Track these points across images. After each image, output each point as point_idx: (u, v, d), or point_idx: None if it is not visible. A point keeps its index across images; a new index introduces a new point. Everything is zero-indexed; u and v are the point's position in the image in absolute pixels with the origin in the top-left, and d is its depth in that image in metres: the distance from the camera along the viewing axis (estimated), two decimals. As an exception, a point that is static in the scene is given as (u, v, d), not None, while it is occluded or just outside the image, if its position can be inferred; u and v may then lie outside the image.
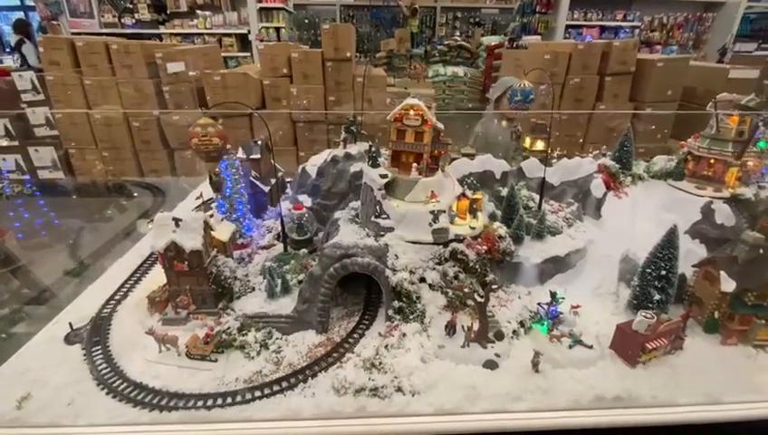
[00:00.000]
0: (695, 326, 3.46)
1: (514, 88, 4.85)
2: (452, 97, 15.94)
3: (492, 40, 13.85)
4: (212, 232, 3.63)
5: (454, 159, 4.52)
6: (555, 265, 3.88)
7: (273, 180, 5.24)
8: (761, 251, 3.19)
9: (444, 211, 3.56)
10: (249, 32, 13.83)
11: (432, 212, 3.51)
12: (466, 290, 3.16)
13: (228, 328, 3.23)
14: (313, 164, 4.60)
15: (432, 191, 3.55)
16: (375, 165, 3.62)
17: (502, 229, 3.77)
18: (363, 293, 3.77)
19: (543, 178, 4.31)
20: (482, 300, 3.08)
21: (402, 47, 14.45)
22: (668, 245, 3.33)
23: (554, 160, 4.77)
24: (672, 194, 4.28)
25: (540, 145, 5.97)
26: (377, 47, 15.07)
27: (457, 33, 15.69)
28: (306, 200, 4.53)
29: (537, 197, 4.66)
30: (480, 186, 4.60)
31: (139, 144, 8.95)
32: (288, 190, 5.03)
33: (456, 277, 3.52)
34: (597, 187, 4.46)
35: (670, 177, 4.41)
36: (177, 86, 8.54)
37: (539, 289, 3.83)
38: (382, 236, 3.54)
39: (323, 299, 3.36)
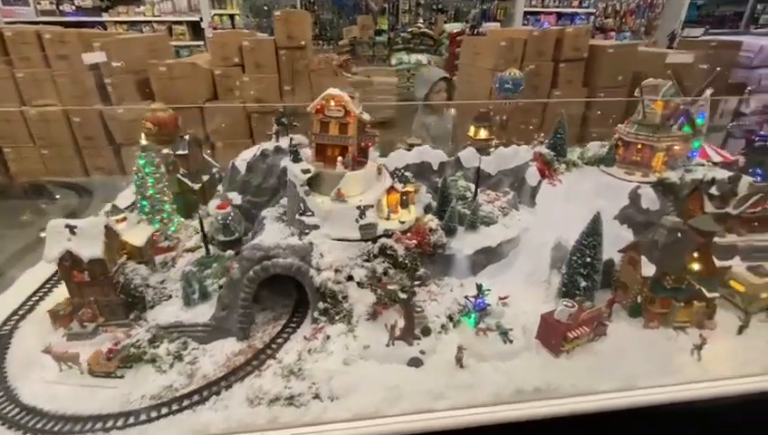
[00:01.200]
0: (621, 311, 3.51)
1: (504, 77, 4.75)
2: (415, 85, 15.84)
3: (454, 27, 13.79)
4: (121, 237, 3.36)
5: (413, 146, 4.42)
6: (487, 256, 3.84)
7: (205, 177, 4.97)
8: (678, 235, 3.24)
9: (372, 206, 3.43)
10: (201, 19, 13.10)
11: (359, 207, 3.37)
12: (390, 288, 3.05)
13: (137, 341, 2.99)
14: (243, 159, 4.35)
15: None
16: (297, 159, 3.43)
17: (433, 222, 3.69)
18: (294, 294, 3.61)
19: (478, 169, 4.25)
20: (405, 297, 2.98)
21: (365, 34, 14.19)
22: (592, 232, 3.33)
23: (492, 150, 4.72)
24: (604, 180, 4.32)
25: (483, 134, 5.95)
26: (339, 34, 14.73)
27: (421, 21, 15.52)
28: (236, 198, 4.29)
29: (473, 186, 4.61)
30: (417, 177, 4.51)
31: (81, 141, 8.30)
32: (219, 188, 4.76)
33: (385, 273, 3.41)
34: (531, 175, 4.45)
35: (602, 163, 4.45)
36: (119, 78, 7.98)
37: (472, 281, 3.77)
38: (307, 234, 3.38)
39: (244, 304, 3.18)
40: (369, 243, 3.43)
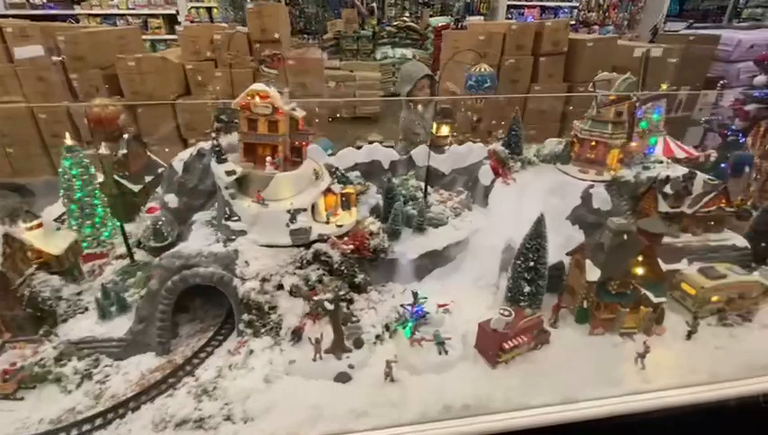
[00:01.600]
0: (568, 316, 3.36)
1: (470, 72, 4.53)
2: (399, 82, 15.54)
3: (440, 21, 13.55)
4: (32, 245, 3.11)
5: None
6: (433, 260, 3.66)
7: (149, 178, 4.71)
8: (625, 237, 3.09)
9: (304, 209, 3.22)
10: (177, 12, 12.67)
11: (289, 211, 3.16)
12: (316, 298, 2.85)
13: (41, 359, 2.76)
14: (180, 159, 4.10)
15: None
16: (221, 160, 3.20)
17: (375, 225, 3.49)
18: (227, 303, 3.39)
19: (428, 168, 4.05)
20: (332, 308, 2.79)
21: (350, 28, 13.91)
22: (535, 235, 3.17)
23: (446, 148, 4.54)
24: (559, 178, 4.15)
25: (445, 130, 5.76)
26: (324, 28, 14.43)
27: (407, 14, 15.26)
28: (172, 200, 4.04)
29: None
30: (367, 177, 4.32)
31: (48, 139, 7.95)
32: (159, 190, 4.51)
33: (319, 281, 3.21)
34: (485, 173, 4.27)
35: (558, 160, 4.29)
36: (86, 73, 7.63)
37: (416, 286, 3.61)
38: (233, 240, 3.16)
39: (162, 317, 2.97)
40: (303, 249, 3.23)
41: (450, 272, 3.71)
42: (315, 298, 2.83)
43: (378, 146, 4.36)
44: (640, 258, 3.00)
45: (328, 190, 3.38)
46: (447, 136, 5.67)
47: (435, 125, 5.73)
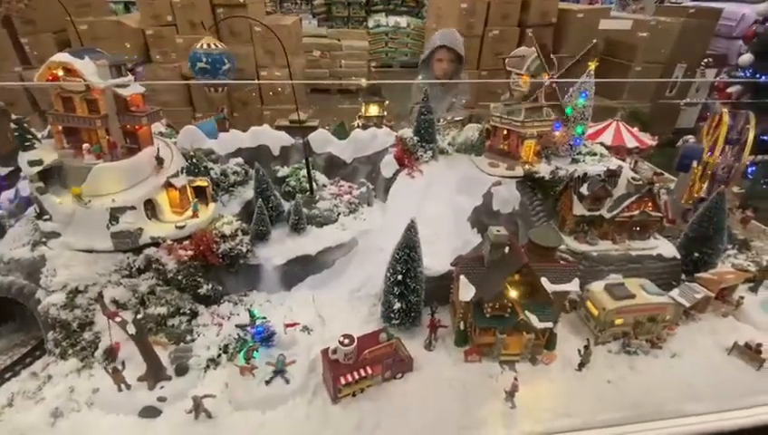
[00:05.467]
0: (450, 337, 2.89)
1: (196, 51, 3.82)
2: (394, 50, 14.66)
3: None
4: None
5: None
6: (305, 267, 3.16)
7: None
8: (506, 251, 2.58)
9: (131, 207, 2.71)
10: None
11: (110, 209, 2.65)
12: (118, 319, 2.37)
13: None
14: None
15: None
16: (26, 147, 2.67)
17: (230, 226, 2.98)
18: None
19: (306, 157, 3.49)
20: (135, 331, 2.32)
21: None
22: (405, 245, 2.66)
23: (389, 132, 3.93)
24: (471, 172, 3.61)
25: (374, 110, 5.16)
26: None
27: None
28: (24, 188, 3.53)
29: (324, 177, 3.89)
30: (253, 165, 3.77)
31: None
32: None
33: (152, 293, 2.74)
34: (387, 165, 3.72)
35: (474, 151, 3.73)
36: (37, 37, 6.98)
37: (284, 296, 3.14)
38: (44, 243, 2.67)
39: (-50, 332, 2.51)
40: (132, 255, 2.74)
41: (326, 280, 3.22)
42: (117, 319, 2.35)
43: (267, 128, 3.79)
44: (518, 277, 2.50)
45: (168, 184, 2.85)
46: (378, 117, 5.12)
47: (363, 105, 5.16)
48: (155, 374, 2.43)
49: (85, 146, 2.65)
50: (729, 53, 9.11)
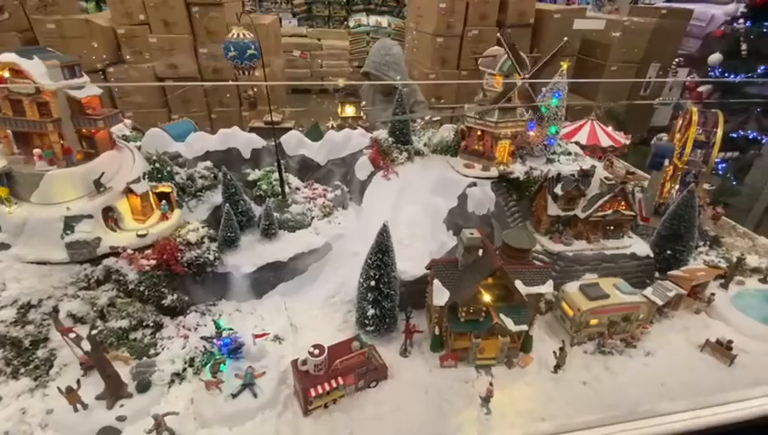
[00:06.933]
0: (426, 342, 2.83)
1: (227, 40, 3.78)
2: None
3: None
4: None
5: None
6: (277, 273, 3.06)
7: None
8: (479, 253, 2.53)
9: (88, 216, 2.57)
10: None
11: (65, 218, 2.51)
12: (72, 336, 2.24)
13: None
14: None
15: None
16: (-30, 154, 2.50)
17: (196, 233, 2.86)
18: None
19: (278, 159, 3.38)
20: (89, 348, 2.19)
21: None
22: (378, 250, 2.59)
23: (364, 133, 3.85)
24: (447, 173, 3.57)
25: (350, 111, 5.08)
26: None
27: None
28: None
29: (297, 180, 3.79)
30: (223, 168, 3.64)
31: None
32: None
33: (112, 305, 2.61)
34: (361, 167, 3.64)
35: (449, 152, 3.69)
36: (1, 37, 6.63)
37: (256, 304, 3.03)
38: (-8, 255, 2.50)
39: None
40: (90, 265, 2.60)
41: (299, 286, 3.12)
42: (71, 335, 2.22)
43: (236, 130, 3.67)
44: (491, 280, 2.45)
45: (128, 191, 2.71)
46: (355, 117, 5.05)
47: (339, 105, 5.09)
48: (114, 392, 2.30)
49: (36, 151, 2.50)
50: (699, 52, 9.35)
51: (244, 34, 3.69)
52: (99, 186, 2.58)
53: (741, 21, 6.82)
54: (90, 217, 2.56)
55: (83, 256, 2.55)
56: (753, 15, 6.75)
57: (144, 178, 2.84)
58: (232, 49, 3.61)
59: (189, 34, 7.35)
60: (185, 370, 2.51)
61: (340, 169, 3.82)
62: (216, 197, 3.35)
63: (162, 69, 7.40)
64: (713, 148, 3.82)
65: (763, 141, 6.47)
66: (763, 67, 6.55)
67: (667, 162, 4.01)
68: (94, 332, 2.27)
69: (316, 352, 2.29)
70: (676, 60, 8.08)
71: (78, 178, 2.58)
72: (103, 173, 2.57)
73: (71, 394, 2.19)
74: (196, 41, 7.45)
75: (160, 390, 2.41)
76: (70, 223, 2.49)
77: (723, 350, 2.76)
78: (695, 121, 3.80)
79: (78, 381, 2.24)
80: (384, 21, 13.07)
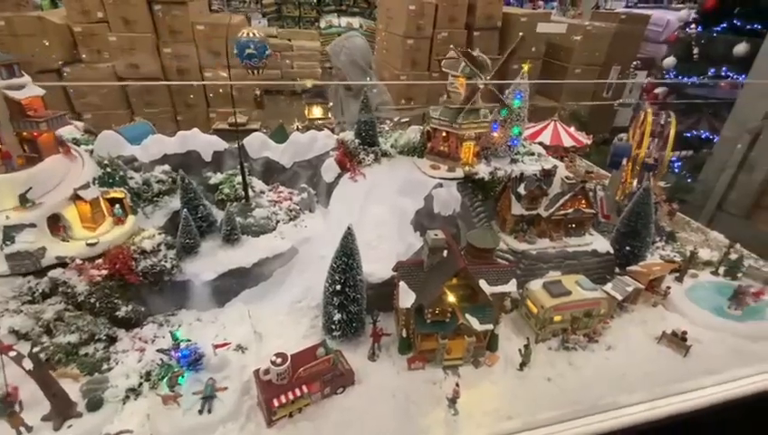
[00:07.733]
0: (394, 345, 2.81)
1: (239, 40, 3.68)
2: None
3: None
4: None
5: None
6: (240, 280, 2.97)
7: None
8: (444, 255, 2.54)
9: (31, 225, 2.41)
10: None
11: (3, 228, 2.34)
12: (12, 354, 2.09)
13: None
14: None
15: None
16: None
17: (152, 240, 2.74)
18: None
19: (242, 162, 3.29)
20: (31, 366, 2.04)
21: None
22: (343, 253, 2.55)
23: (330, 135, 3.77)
24: (413, 174, 3.57)
25: (318, 112, 5.02)
26: None
27: None
28: None
29: (261, 183, 3.70)
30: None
31: None
32: None
33: (59, 319, 2.45)
34: (328, 169, 3.59)
35: (415, 153, 3.69)
36: None
37: (218, 313, 2.93)
38: None
39: None
40: (33, 277, 2.44)
41: (264, 292, 3.05)
42: (11, 353, 2.06)
43: (196, 132, 3.54)
44: (456, 280, 2.46)
45: (76, 197, 2.56)
46: (322, 118, 4.99)
47: (306, 106, 5.02)
48: (61, 412, 2.16)
49: (-29, 157, 2.32)
50: (657, 57, 9.80)
51: (254, 33, 3.63)
52: (25, 201, 2.39)
53: (693, 26, 7.19)
54: (33, 226, 2.39)
55: (26, 268, 2.38)
56: (704, 21, 7.13)
57: (95, 184, 2.69)
58: (251, 47, 3.51)
59: (152, 33, 7.11)
60: (141, 385, 2.39)
61: (306, 171, 3.76)
62: (175, 202, 3.22)
63: (122, 69, 7.09)
64: (666, 143, 3.99)
65: (715, 141, 6.85)
66: (712, 70, 6.93)
67: (625, 161, 4.16)
68: (37, 348, 2.12)
69: (278, 360, 2.22)
70: (634, 63, 8.44)
71: (18, 184, 2.41)
72: (30, 188, 2.36)
73: (12, 418, 2.04)
74: (159, 40, 7.19)
75: (114, 407, 2.29)
76: (9, 233, 2.33)
77: (678, 341, 2.87)
78: (649, 121, 3.96)
79: (20, 403, 2.08)
80: (355, 22, 13.00)
